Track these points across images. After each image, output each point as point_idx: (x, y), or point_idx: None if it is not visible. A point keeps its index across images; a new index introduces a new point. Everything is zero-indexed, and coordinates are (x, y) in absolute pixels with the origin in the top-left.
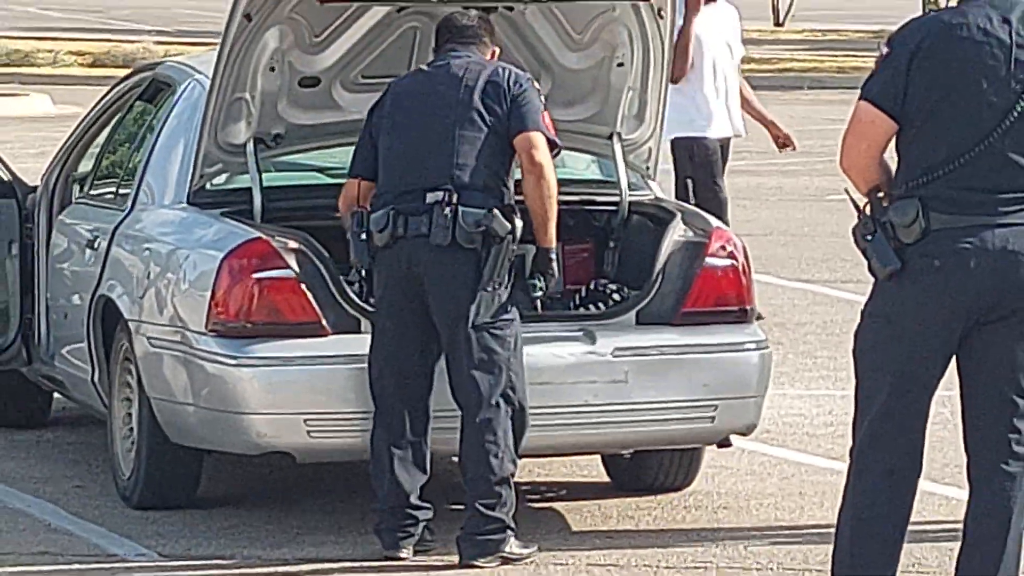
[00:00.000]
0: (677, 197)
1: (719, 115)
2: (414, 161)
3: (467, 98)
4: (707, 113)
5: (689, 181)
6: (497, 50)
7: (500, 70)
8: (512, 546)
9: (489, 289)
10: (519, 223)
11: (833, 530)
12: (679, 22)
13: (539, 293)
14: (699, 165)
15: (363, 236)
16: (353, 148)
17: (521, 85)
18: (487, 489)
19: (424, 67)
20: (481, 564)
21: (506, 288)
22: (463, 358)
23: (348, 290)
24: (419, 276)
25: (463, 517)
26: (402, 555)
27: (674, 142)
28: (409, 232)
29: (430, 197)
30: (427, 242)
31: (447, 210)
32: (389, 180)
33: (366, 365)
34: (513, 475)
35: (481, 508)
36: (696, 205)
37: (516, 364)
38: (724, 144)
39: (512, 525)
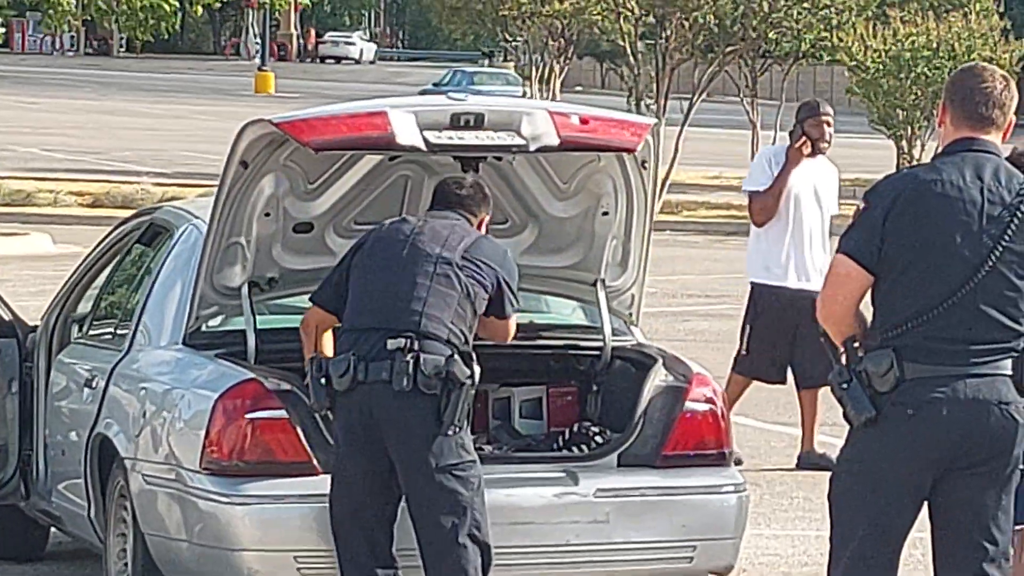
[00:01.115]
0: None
1: (798, 267)
2: (381, 304)
3: (447, 256)
4: (783, 263)
5: (747, 327)
6: (486, 218)
7: (484, 243)
8: None
9: (450, 433)
10: (477, 369)
11: None
12: (775, 170)
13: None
14: (760, 314)
15: (323, 380)
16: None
17: (504, 265)
18: None
19: (410, 218)
20: None
21: (466, 431)
22: (427, 501)
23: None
24: (379, 421)
25: None
26: None
27: (752, 285)
28: (370, 378)
29: (391, 344)
30: (388, 388)
31: (408, 356)
32: (353, 318)
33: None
34: None
35: None
36: (747, 349)
37: (480, 503)
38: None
39: None
